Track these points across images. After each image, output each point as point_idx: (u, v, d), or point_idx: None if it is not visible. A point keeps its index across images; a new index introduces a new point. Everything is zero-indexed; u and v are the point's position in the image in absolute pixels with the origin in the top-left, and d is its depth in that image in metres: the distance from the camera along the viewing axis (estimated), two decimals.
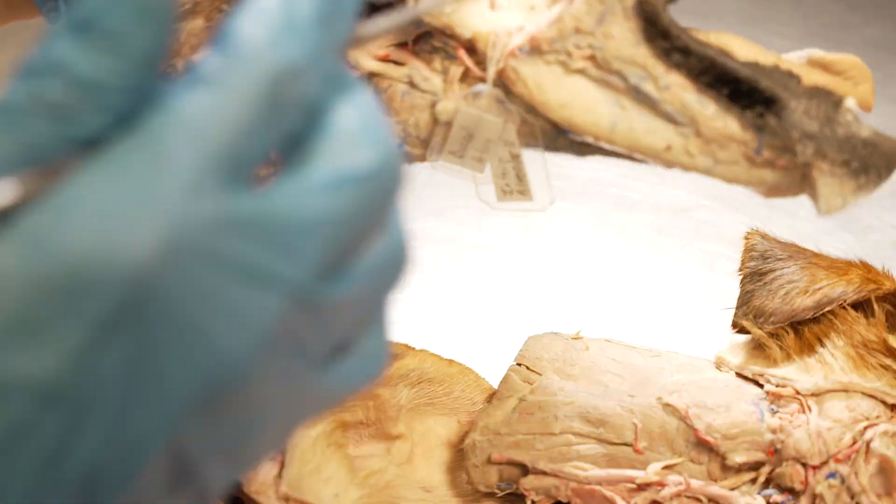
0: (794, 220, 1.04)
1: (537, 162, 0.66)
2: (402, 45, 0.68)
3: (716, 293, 1.09)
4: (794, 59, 0.69)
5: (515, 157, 0.66)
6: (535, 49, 0.64)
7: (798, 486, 0.75)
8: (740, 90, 0.62)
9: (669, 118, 0.64)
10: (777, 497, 0.76)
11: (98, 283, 0.31)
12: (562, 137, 0.67)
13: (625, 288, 1.12)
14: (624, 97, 0.64)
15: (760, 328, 0.79)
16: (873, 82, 0.65)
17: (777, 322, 0.79)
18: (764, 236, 0.85)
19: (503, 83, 0.65)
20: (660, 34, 0.62)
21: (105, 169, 0.32)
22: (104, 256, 0.31)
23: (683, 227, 1.18)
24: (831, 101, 0.62)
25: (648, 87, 0.63)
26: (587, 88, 0.64)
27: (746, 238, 0.85)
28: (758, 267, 0.82)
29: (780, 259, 0.82)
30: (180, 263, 0.32)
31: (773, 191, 0.65)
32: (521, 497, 0.80)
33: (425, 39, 0.68)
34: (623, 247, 1.16)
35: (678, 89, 0.63)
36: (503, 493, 0.80)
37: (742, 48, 0.65)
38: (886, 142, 0.61)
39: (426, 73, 0.66)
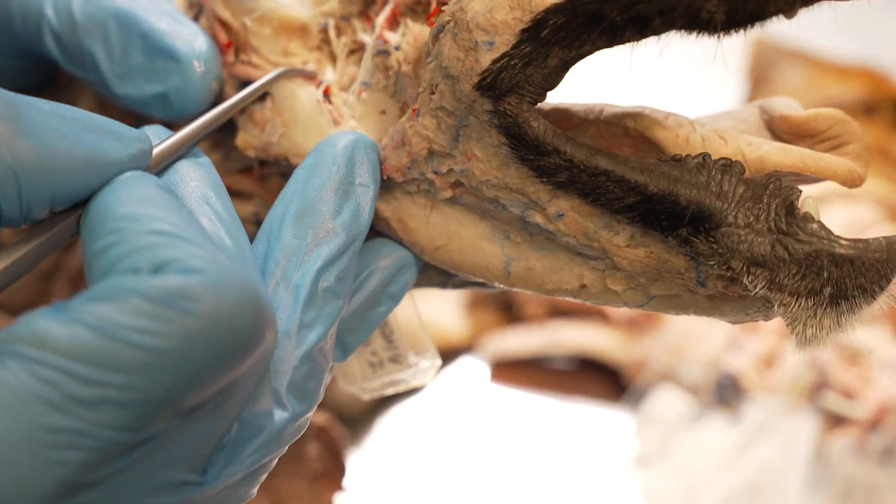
0: None
1: (408, 312, 0.51)
2: (245, 172, 0.53)
3: None
4: (744, 115, 0.49)
5: None
6: (389, 180, 0.48)
7: None
8: (654, 210, 0.44)
9: (575, 251, 0.47)
10: None
11: None
12: (452, 279, 0.51)
13: None
14: (513, 230, 0.48)
15: None
16: (865, 142, 0.45)
17: None
18: None
19: None
20: (532, 150, 0.45)
21: None
22: None
23: None
24: (782, 201, 0.43)
25: (537, 218, 0.46)
26: (465, 222, 0.48)
27: None
28: None
29: None
30: None
31: (737, 321, 0.47)
32: None
33: (271, 164, 0.53)
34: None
35: (575, 216, 0.45)
36: None
37: (668, 133, 0.46)
38: (870, 248, 0.42)
39: None
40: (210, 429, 0.40)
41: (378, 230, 0.50)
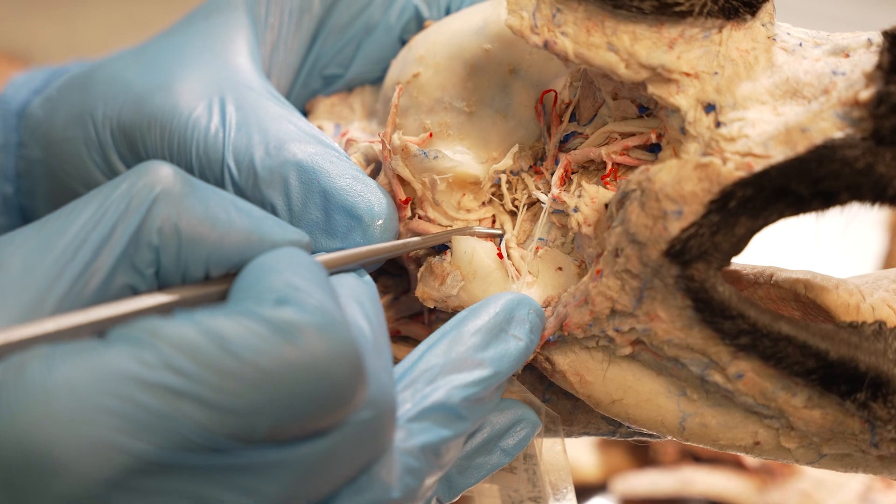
0: None
1: (556, 457, 0.53)
2: (414, 318, 0.56)
3: None
4: None
5: (529, 458, 0.53)
6: (569, 335, 0.50)
7: None
8: (833, 374, 0.46)
9: (751, 410, 0.49)
10: None
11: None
12: (620, 429, 0.53)
13: None
14: (690, 387, 0.50)
15: None
16: None
17: None
18: None
19: (540, 374, 0.52)
20: (717, 314, 0.47)
21: None
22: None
23: None
24: None
25: (716, 378, 0.48)
26: (642, 378, 0.50)
27: None
28: None
29: None
30: None
31: None
32: None
33: (439, 313, 0.55)
34: None
35: (754, 377, 0.48)
36: None
37: (839, 301, 0.48)
38: None
39: None
40: (294, 477, 0.40)
41: (552, 381, 0.52)
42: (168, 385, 0.37)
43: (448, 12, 0.59)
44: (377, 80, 0.60)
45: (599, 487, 0.83)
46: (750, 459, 0.75)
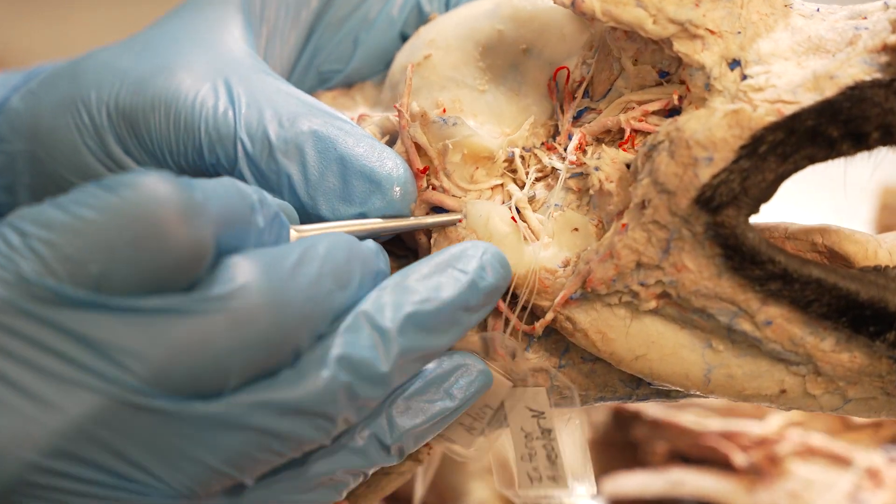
0: None
1: (574, 436, 0.53)
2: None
3: None
4: None
5: (546, 433, 0.53)
6: (592, 292, 0.50)
7: None
8: (863, 316, 0.47)
9: (778, 357, 0.49)
10: None
11: None
12: (644, 386, 0.53)
13: None
14: (715, 338, 0.50)
15: None
16: None
17: None
18: None
19: (557, 334, 0.52)
20: (747, 260, 0.47)
21: None
22: None
23: None
24: None
25: (744, 326, 0.49)
26: (665, 332, 0.50)
27: None
28: None
29: None
30: None
31: None
32: None
33: None
34: None
35: (783, 323, 0.48)
36: None
37: (857, 247, 0.49)
38: None
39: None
40: (150, 335, 0.41)
41: (575, 342, 0.52)
42: (8, 242, 0.41)
43: (448, 7, 0.60)
44: (377, 77, 0.61)
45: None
46: (739, 460, 0.76)
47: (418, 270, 0.48)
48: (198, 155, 0.53)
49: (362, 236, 0.50)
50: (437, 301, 0.48)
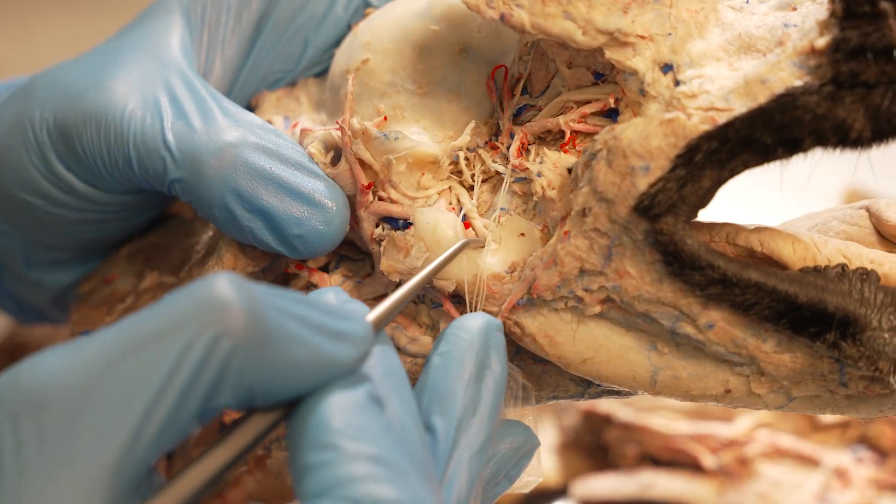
0: None
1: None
2: (379, 299, 0.56)
3: None
4: (853, 218, 0.53)
5: None
6: (538, 298, 0.51)
7: None
8: (803, 318, 0.48)
9: (722, 359, 0.50)
10: None
11: None
12: (594, 385, 0.54)
13: None
14: (660, 341, 0.51)
15: None
16: None
17: None
18: None
19: (508, 339, 0.53)
20: (687, 266, 0.48)
21: None
22: None
23: None
24: None
25: (687, 329, 0.49)
26: (611, 336, 0.51)
27: None
28: None
29: None
30: None
31: (869, 416, 0.50)
32: None
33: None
34: None
35: (725, 326, 0.49)
36: None
37: (791, 248, 0.50)
38: None
39: (412, 333, 0.55)
40: None
41: (524, 347, 0.53)
42: None
43: None
44: (320, 73, 0.61)
45: (560, 492, 0.83)
46: (708, 462, 0.77)
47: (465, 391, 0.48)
48: (128, 167, 0.54)
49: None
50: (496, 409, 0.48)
